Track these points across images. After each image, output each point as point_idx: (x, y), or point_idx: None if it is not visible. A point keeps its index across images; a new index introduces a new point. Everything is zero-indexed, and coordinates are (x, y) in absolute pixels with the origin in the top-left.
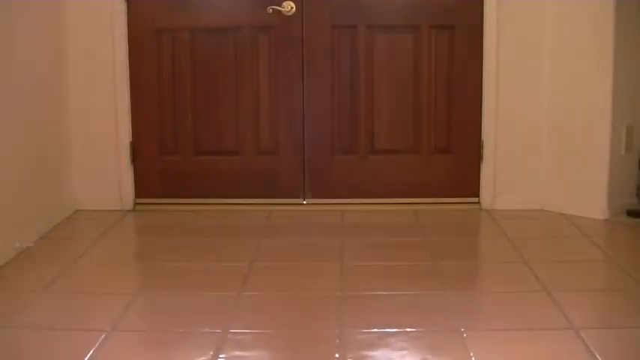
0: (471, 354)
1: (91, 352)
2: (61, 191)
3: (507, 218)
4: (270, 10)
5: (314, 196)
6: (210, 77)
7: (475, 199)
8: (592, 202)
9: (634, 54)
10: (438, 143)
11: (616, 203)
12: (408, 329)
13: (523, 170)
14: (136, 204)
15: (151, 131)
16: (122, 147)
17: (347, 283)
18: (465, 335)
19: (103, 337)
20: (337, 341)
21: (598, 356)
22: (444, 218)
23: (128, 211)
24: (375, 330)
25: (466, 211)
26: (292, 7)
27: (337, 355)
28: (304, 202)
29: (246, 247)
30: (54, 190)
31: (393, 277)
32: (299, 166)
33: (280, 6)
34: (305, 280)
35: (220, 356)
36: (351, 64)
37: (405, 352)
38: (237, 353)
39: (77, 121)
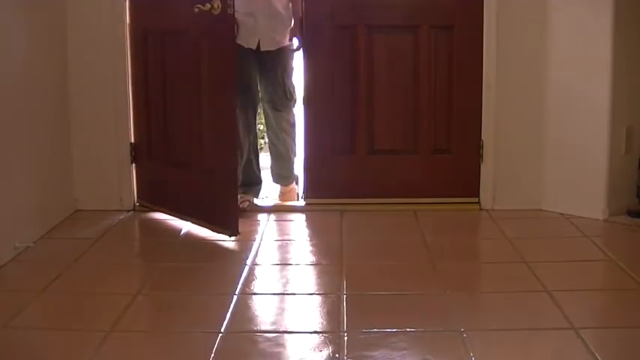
0: (471, 354)
1: (91, 352)
2: (61, 191)
3: (507, 218)
4: (196, 9)
5: (314, 196)
6: (176, 77)
7: (475, 199)
8: (592, 202)
9: (634, 54)
10: (438, 143)
11: (616, 203)
12: (408, 329)
13: (523, 170)
14: (136, 204)
15: (146, 133)
16: (122, 147)
17: (347, 283)
18: (464, 335)
19: (103, 337)
20: (337, 341)
21: (598, 356)
22: (444, 218)
23: (128, 211)
24: (375, 330)
25: (466, 211)
26: (217, 7)
27: (337, 355)
28: (304, 202)
29: (245, 247)
30: (54, 190)
31: (393, 277)
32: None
33: (203, 5)
34: (305, 280)
35: (221, 356)
36: (351, 64)
37: (405, 352)
38: (237, 353)
39: (77, 121)
